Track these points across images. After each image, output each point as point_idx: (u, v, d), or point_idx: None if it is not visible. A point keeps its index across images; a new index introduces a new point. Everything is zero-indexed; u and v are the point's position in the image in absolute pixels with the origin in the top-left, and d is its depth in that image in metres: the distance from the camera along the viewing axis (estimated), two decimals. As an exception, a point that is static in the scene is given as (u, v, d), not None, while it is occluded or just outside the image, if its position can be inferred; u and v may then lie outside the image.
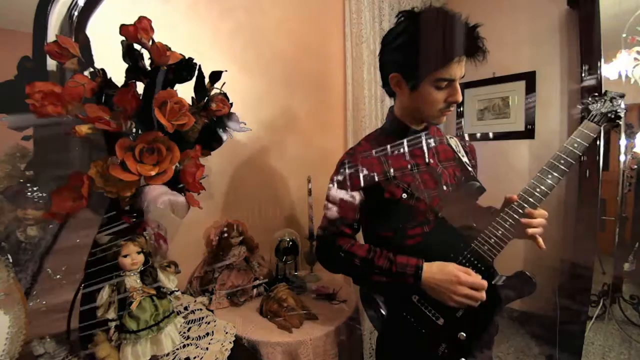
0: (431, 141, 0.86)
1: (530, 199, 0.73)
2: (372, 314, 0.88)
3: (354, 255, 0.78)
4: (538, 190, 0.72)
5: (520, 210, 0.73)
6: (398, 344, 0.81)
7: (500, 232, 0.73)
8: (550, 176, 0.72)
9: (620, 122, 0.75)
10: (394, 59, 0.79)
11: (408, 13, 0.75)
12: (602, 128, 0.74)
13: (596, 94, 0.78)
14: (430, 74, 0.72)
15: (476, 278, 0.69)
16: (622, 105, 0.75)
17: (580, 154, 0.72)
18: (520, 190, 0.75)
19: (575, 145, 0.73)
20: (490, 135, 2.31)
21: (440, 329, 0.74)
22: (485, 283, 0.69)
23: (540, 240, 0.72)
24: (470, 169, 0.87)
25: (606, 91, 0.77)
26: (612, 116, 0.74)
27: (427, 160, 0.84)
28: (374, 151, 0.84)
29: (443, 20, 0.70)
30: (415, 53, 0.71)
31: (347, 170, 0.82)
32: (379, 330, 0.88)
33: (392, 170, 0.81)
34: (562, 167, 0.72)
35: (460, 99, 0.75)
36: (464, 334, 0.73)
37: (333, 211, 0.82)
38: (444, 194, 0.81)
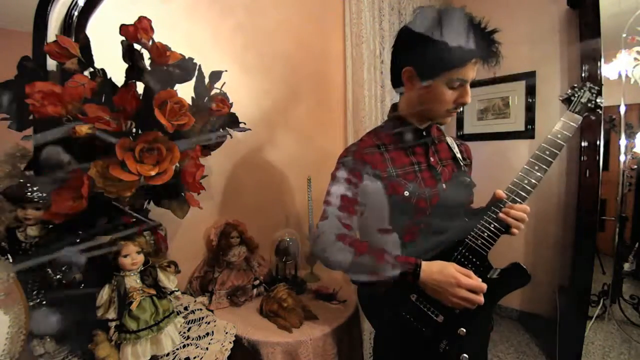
0: (433, 139, 0.87)
1: (519, 192, 0.74)
2: (369, 313, 0.88)
3: (352, 251, 0.78)
4: (526, 182, 0.75)
5: (510, 203, 0.74)
6: (397, 343, 0.81)
7: (492, 225, 0.74)
8: (537, 168, 0.75)
9: (601, 112, 0.77)
10: (410, 52, 0.78)
11: (428, 9, 0.75)
12: (583, 117, 0.77)
13: (575, 85, 0.81)
14: (445, 72, 0.72)
15: (475, 281, 0.69)
16: (600, 98, 0.78)
17: (564, 144, 0.75)
18: (509, 184, 0.76)
19: (559, 136, 0.75)
20: (490, 135, 2.31)
21: (440, 326, 0.74)
22: (484, 286, 0.69)
23: (514, 230, 0.74)
24: (462, 164, 0.89)
25: (585, 82, 0.81)
26: (592, 105, 0.77)
27: (428, 158, 0.84)
28: (376, 147, 0.84)
29: (464, 21, 0.71)
30: (433, 49, 0.72)
31: (348, 166, 0.82)
32: (377, 329, 0.88)
33: (394, 167, 0.81)
34: (548, 158, 0.75)
35: (469, 100, 0.76)
36: (464, 330, 0.73)
37: (333, 206, 0.82)
38: (443, 191, 0.82)
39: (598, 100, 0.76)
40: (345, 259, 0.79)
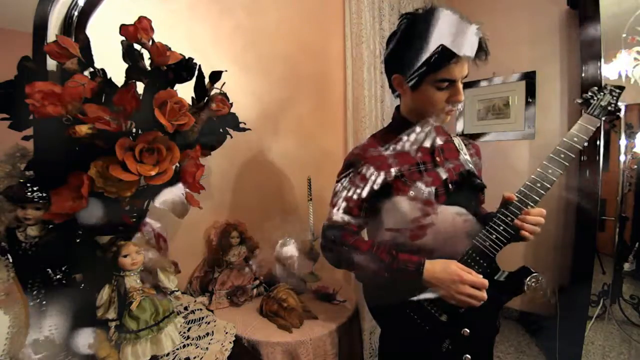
0: (437, 139, 0.87)
1: (531, 195, 0.73)
2: (374, 311, 0.88)
3: (357, 249, 0.79)
4: (539, 185, 0.73)
5: (520, 206, 0.73)
6: (402, 342, 0.81)
7: (501, 227, 0.73)
8: (550, 171, 0.73)
9: (620, 115, 0.74)
10: (395, 60, 0.80)
11: (410, 15, 0.76)
12: (601, 121, 0.74)
13: (595, 87, 0.78)
14: (430, 74, 0.73)
15: (478, 277, 0.69)
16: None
17: (581, 148, 0.73)
18: (521, 186, 0.75)
19: (575, 139, 0.73)
20: (490, 135, 2.31)
21: (444, 325, 0.74)
22: (486, 282, 0.69)
23: (528, 234, 0.73)
24: (471, 165, 0.88)
25: (606, 84, 0.77)
26: (612, 109, 0.74)
27: (434, 158, 0.84)
28: (381, 149, 0.84)
29: (442, 20, 0.70)
30: (414, 54, 0.72)
31: (354, 167, 0.83)
32: (383, 328, 0.88)
33: (399, 167, 0.81)
34: (563, 162, 0.73)
35: (462, 99, 0.75)
36: (468, 330, 0.73)
37: (338, 207, 0.83)
38: (449, 191, 0.82)
39: (618, 102, 0.74)
40: (350, 257, 0.80)
